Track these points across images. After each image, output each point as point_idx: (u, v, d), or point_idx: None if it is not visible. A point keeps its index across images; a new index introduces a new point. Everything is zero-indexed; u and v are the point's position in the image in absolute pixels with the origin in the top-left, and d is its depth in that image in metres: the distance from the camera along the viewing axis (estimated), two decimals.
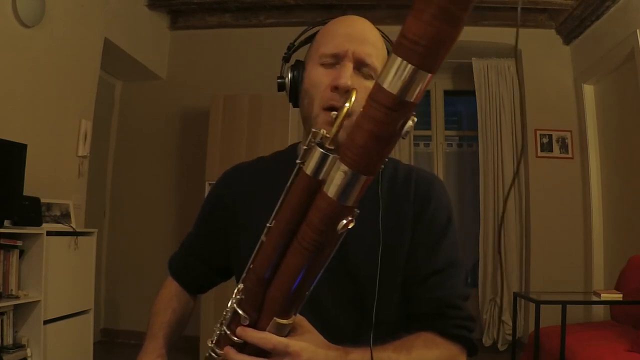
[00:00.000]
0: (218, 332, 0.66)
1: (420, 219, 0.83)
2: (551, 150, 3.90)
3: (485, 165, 4.03)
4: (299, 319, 0.64)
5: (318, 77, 0.82)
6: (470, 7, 0.42)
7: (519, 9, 2.77)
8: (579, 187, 3.84)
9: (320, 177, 0.55)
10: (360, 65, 0.80)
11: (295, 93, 0.87)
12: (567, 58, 3.96)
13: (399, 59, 0.45)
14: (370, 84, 0.78)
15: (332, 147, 0.55)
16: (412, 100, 0.47)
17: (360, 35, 0.83)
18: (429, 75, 0.46)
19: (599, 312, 3.49)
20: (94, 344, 2.92)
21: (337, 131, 0.55)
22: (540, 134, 3.91)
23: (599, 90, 3.82)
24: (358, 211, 0.54)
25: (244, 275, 0.63)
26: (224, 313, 0.65)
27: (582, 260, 3.78)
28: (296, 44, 0.94)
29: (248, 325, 0.62)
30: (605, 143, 3.74)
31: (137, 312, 3.60)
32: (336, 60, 0.81)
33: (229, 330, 0.63)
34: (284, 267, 0.58)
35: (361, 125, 0.49)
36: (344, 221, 0.53)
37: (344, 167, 0.51)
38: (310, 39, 0.91)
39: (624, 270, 3.03)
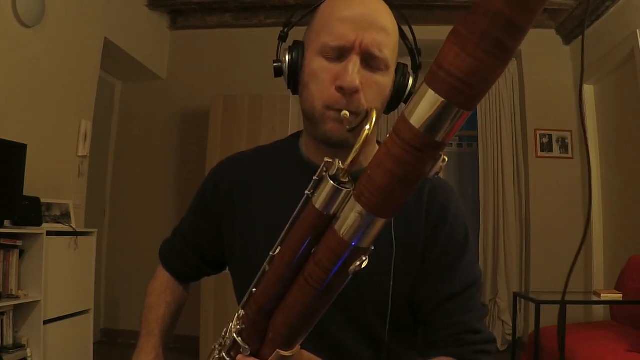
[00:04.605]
0: (217, 356, 0.64)
1: (435, 239, 0.76)
2: (551, 150, 3.90)
3: (485, 165, 4.03)
4: (298, 350, 0.61)
5: (320, 72, 0.72)
6: (522, 38, 0.36)
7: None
8: (579, 187, 3.84)
9: (332, 212, 0.49)
10: (368, 58, 0.70)
11: (294, 79, 0.77)
12: (567, 58, 3.96)
13: (432, 92, 0.39)
14: (379, 78, 0.72)
15: (346, 180, 0.50)
16: (442, 141, 0.41)
17: (368, 18, 0.71)
18: (465, 113, 0.40)
19: (599, 312, 3.49)
20: (94, 344, 2.92)
21: (353, 162, 0.50)
22: (540, 134, 3.91)
23: (599, 90, 3.81)
24: (373, 248, 0.49)
25: (244, 299, 0.61)
26: (223, 334, 0.63)
27: (582, 260, 3.77)
28: (293, 20, 0.82)
29: (250, 354, 0.59)
30: (605, 143, 3.73)
31: (137, 312, 3.57)
32: (341, 53, 0.71)
33: (228, 357, 0.62)
34: (289, 302, 0.54)
35: (382, 162, 0.43)
36: (357, 262, 0.48)
37: (359, 208, 0.46)
38: (311, 12, 0.79)
39: (624, 270, 3.03)
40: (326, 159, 0.51)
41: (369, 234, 0.47)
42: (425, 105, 0.40)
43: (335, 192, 0.49)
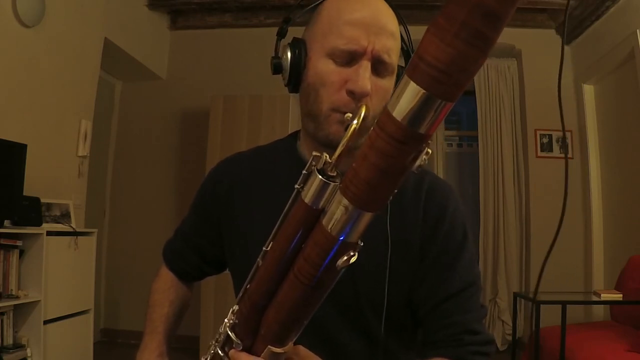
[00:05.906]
0: (212, 351, 0.64)
1: (433, 238, 0.76)
2: (551, 150, 3.90)
3: (485, 165, 4.03)
4: (295, 347, 0.60)
5: (329, 75, 0.72)
6: (502, 28, 0.36)
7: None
8: (579, 187, 3.83)
9: (320, 205, 0.49)
10: (377, 64, 0.71)
11: (295, 78, 0.76)
12: (567, 58, 3.96)
13: (413, 84, 0.39)
14: (385, 82, 0.73)
15: (334, 174, 0.50)
16: (425, 133, 0.41)
17: (379, 22, 0.70)
18: (448, 104, 0.39)
19: (599, 312, 3.49)
20: (94, 344, 2.92)
21: (341, 156, 0.50)
22: (540, 134, 3.91)
23: (599, 90, 3.81)
24: (362, 243, 0.49)
25: (240, 295, 0.61)
26: (219, 330, 0.63)
27: (582, 260, 3.77)
28: (293, 17, 0.81)
29: (242, 350, 0.59)
30: (605, 143, 3.73)
31: (137, 312, 3.60)
32: (351, 57, 0.70)
33: (222, 351, 0.62)
34: (280, 298, 0.54)
35: (366, 156, 0.43)
36: (345, 257, 0.48)
37: (345, 202, 0.45)
38: (313, 10, 0.78)
39: (624, 270, 3.03)
40: (314, 153, 0.51)
41: (356, 228, 0.47)
42: (407, 97, 0.39)
43: (323, 186, 0.49)
